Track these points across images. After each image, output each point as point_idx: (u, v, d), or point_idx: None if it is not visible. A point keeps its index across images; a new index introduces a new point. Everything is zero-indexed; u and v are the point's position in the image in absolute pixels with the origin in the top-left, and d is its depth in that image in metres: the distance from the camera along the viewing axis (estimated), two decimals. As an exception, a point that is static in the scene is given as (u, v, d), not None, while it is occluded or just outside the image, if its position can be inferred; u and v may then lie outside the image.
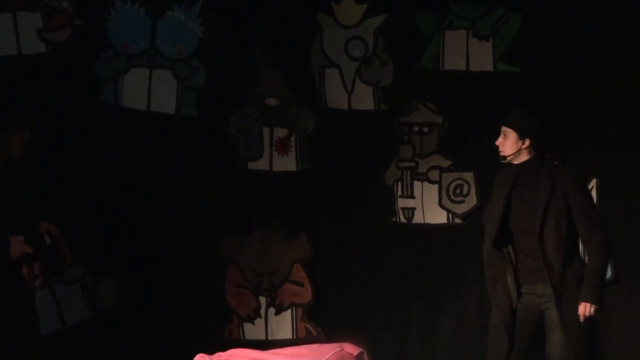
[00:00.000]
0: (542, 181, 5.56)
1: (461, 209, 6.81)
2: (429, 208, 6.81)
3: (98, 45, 6.62)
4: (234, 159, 6.75)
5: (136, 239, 6.52)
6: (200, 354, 4.92)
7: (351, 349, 4.92)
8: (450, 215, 6.82)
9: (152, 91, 6.69)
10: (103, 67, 6.63)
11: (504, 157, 5.62)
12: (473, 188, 6.81)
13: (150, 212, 6.58)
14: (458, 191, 6.84)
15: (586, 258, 5.60)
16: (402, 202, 6.80)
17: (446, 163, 6.83)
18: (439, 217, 6.80)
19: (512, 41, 6.77)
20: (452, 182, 6.82)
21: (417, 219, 6.80)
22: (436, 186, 6.82)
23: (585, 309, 5.40)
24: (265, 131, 6.81)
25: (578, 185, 5.57)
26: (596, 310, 5.39)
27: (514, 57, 6.76)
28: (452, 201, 6.82)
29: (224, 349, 4.95)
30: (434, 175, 6.83)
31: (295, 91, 6.82)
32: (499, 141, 5.62)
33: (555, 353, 5.43)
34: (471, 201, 6.81)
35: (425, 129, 6.88)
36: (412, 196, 6.81)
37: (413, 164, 6.83)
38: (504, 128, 5.61)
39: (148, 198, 6.58)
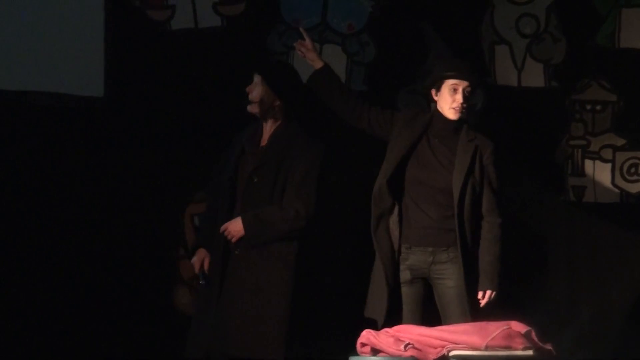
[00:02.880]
0: (462, 141, 5.19)
1: (636, 188, 6.60)
2: (600, 187, 6.62)
3: (270, 20, 6.59)
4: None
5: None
6: (367, 329, 4.88)
7: (519, 327, 4.79)
8: (623, 194, 6.62)
9: (322, 66, 6.68)
10: (274, 41, 6.63)
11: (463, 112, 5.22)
12: (649, 167, 6.66)
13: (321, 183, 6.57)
14: (633, 170, 6.62)
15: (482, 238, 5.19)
16: (572, 181, 6.63)
17: (620, 142, 6.62)
18: (611, 196, 6.62)
19: (692, 19, 6.58)
20: (626, 160, 6.61)
21: (588, 197, 6.62)
22: (609, 165, 6.62)
23: (488, 295, 5.11)
24: (433, 106, 6.71)
25: (494, 159, 5.22)
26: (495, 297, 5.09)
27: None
28: (626, 180, 6.61)
29: (390, 325, 4.90)
30: (607, 154, 6.63)
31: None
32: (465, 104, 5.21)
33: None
34: (646, 180, 6.66)
35: (598, 107, 6.71)
36: (582, 174, 6.64)
37: (584, 142, 6.65)
38: (468, 85, 5.22)
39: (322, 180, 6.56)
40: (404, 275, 5.23)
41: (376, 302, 5.21)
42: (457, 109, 5.25)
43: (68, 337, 6.14)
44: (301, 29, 5.60)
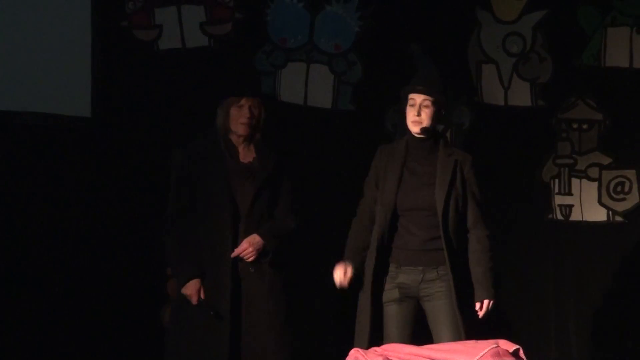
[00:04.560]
0: (441, 157, 5.15)
1: (622, 206, 6.60)
2: (587, 205, 6.62)
3: (257, 39, 6.59)
4: (389, 154, 6.70)
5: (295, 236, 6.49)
6: (356, 349, 4.87)
7: (507, 345, 4.79)
8: (610, 212, 6.62)
9: (309, 85, 6.68)
10: (261, 60, 6.62)
11: (425, 131, 5.14)
12: (635, 186, 6.57)
13: (303, 205, 6.57)
14: (619, 189, 6.62)
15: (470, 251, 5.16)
16: (559, 199, 6.63)
17: (607, 160, 6.62)
18: (598, 214, 6.61)
19: (678, 38, 6.60)
20: (612, 179, 6.61)
21: (575, 216, 6.61)
22: (595, 183, 6.62)
23: (487, 305, 5.08)
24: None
25: (475, 171, 5.18)
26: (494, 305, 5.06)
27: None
28: (612, 199, 6.61)
29: (378, 344, 4.90)
30: (594, 172, 6.63)
31: (451, 87, 6.75)
32: (421, 116, 5.14)
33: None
34: (633, 199, 6.59)
35: (585, 126, 6.72)
36: (569, 193, 6.63)
37: (571, 161, 6.66)
38: (425, 98, 5.15)
39: (302, 192, 6.57)
40: (392, 294, 5.20)
41: (362, 324, 5.20)
42: (415, 122, 5.19)
43: (55, 356, 6.11)
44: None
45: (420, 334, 5.19)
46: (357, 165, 6.56)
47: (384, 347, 4.87)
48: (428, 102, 5.21)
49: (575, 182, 6.67)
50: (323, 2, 6.63)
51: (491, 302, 5.14)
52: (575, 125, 6.72)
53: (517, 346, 4.77)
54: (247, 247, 5.26)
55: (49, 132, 6.19)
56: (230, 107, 5.37)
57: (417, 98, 5.23)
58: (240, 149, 5.39)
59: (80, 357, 6.13)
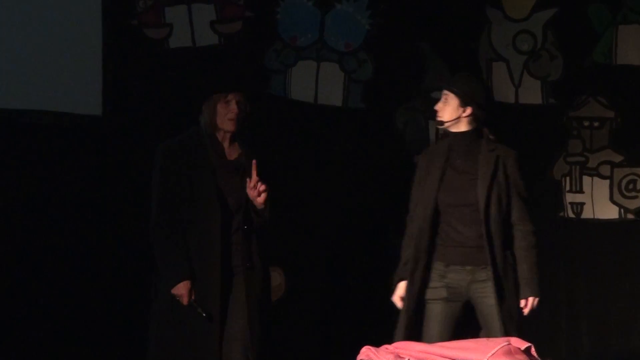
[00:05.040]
0: (483, 153, 5.10)
1: (634, 204, 6.60)
2: (599, 203, 6.61)
3: (267, 38, 6.58)
4: (399, 151, 6.69)
5: (305, 232, 6.49)
6: (367, 346, 4.87)
7: (519, 343, 4.77)
8: (622, 210, 6.61)
9: (319, 84, 6.67)
10: (272, 59, 6.63)
11: (441, 123, 5.13)
12: (647, 183, 6.65)
13: (313, 204, 6.58)
14: (631, 186, 6.61)
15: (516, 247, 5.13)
16: (570, 197, 6.62)
17: (618, 158, 6.61)
18: (609, 212, 6.60)
19: (689, 35, 6.59)
20: (624, 177, 6.60)
21: (587, 214, 6.60)
22: (607, 181, 6.62)
23: (531, 302, 5.04)
24: (431, 124, 6.69)
25: (519, 167, 5.14)
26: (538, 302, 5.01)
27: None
28: (624, 196, 6.60)
29: (389, 342, 4.89)
30: (605, 170, 6.62)
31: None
32: (439, 106, 5.13)
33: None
34: (645, 196, 6.60)
35: (596, 124, 6.71)
36: (581, 191, 6.62)
37: (582, 159, 6.65)
38: (446, 92, 5.12)
39: (312, 190, 6.59)
40: (439, 292, 5.13)
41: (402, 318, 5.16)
42: (438, 117, 5.19)
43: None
44: None
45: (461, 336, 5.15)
46: (367, 163, 6.60)
47: (395, 344, 4.85)
48: (446, 97, 5.17)
49: (586, 179, 6.66)
50: (333, 1, 6.62)
51: (536, 299, 5.11)
52: (586, 123, 6.70)
53: (529, 344, 4.76)
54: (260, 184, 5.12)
55: (60, 130, 6.20)
56: (217, 103, 5.19)
57: (442, 93, 5.22)
58: (226, 145, 5.24)
59: (81, 354, 6.12)
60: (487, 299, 5.08)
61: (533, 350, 4.76)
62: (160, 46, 6.45)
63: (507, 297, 5.06)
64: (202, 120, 5.26)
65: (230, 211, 5.18)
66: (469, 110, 5.14)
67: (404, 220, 6.51)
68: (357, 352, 4.83)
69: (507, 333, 5.02)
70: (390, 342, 4.87)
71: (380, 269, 6.56)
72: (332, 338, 6.37)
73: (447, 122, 5.15)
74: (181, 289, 5.08)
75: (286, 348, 6.27)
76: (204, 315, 5.06)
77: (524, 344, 4.76)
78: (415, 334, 5.10)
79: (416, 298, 5.13)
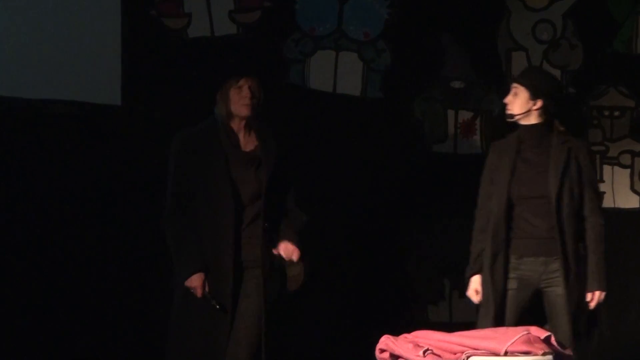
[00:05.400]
0: (554, 146, 5.08)
1: (655, 193, 6.58)
2: (619, 192, 6.58)
3: (286, 27, 6.56)
4: (418, 141, 6.67)
5: (323, 221, 6.48)
6: (386, 335, 4.87)
7: (539, 332, 4.77)
8: (642, 199, 6.59)
9: (338, 73, 6.66)
10: (290, 48, 6.60)
11: (511, 116, 5.11)
12: (668, 172, 6.61)
13: (332, 194, 6.57)
14: (652, 175, 6.66)
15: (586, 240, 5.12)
16: (591, 187, 6.67)
17: (639, 147, 6.60)
18: (630, 201, 6.59)
19: None
20: (645, 166, 6.59)
21: (607, 203, 6.50)
22: (628, 170, 6.60)
23: (597, 296, 5.03)
24: (450, 114, 6.68)
25: (591, 159, 5.15)
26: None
27: None
28: (645, 186, 6.62)
29: (408, 331, 4.89)
30: (626, 159, 6.60)
31: (480, 74, 6.71)
32: (508, 98, 5.12)
33: (565, 336, 4.98)
34: (666, 186, 6.56)
35: (616, 113, 6.68)
36: (601, 180, 6.57)
37: (603, 148, 6.61)
38: (515, 85, 5.11)
39: (330, 180, 6.58)
40: (510, 284, 5.16)
41: (486, 308, 5.18)
42: (507, 110, 5.21)
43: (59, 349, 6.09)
44: None
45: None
46: (385, 153, 6.58)
47: (414, 333, 4.85)
48: (516, 90, 5.17)
49: (607, 169, 6.63)
50: (351, -11, 6.62)
51: (603, 293, 5.11)
52: (606, 113, 6.68)
53: (549, 333, 4.76)
54: (293, 249, 5.14)
55: (79, 120, 6.21)
56: (230, 90, 5.12)
57: (511, 86, 5.22)
58: (241, 136, 5.15)
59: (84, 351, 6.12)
60: (556, 288, 5.09)
61: (553, 339, 4.75)
62: (179, 36, 6.44)
63: (576, 289, 5.07)
64: (216, 110, 5.21)
65: (243, 203, 5.11)
66: (539, 103, 5.13)
67: (421, 210, 6.54)
68: (377, 341, 4.84)
69: (573, 324, 5.03)
70: (409, 331, 4.87)
71: (397, 259, 6.58)
72: (352, 328, 6.37)
73: (517, 115, 5.15)
74: (195, 281, 5.02)
75: (307, 338, 6.29)
76: (218, 307, 5.03)
77: (543, 333, 4.75)
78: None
79: (501, 290, 5.14)
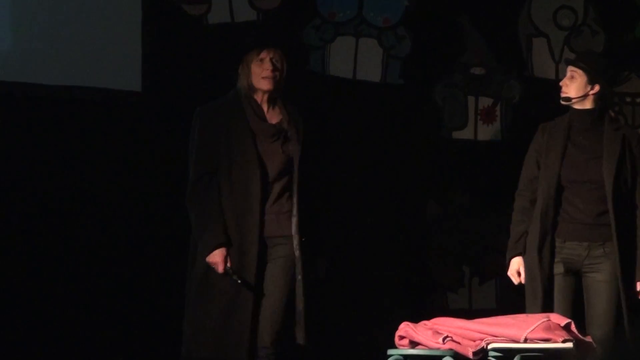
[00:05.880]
0: (607, 132, 5.02)
1: (677, 180, 6.58)
2: (640, 179, 6.60)
3: (306, 14, 6.56)
4: (439, 127, 6.66)
5: (344, 207, 6.46)
6: (405, 322, 4.86)
7: (558, 319, 4.75)
8: (664, 187, 6.59)
9: (358, 59, 6.65)
10: (310, 35, 6.60)
11: (568, 99, 5.03)
12: (690, 159, 6.57)
13: (351, 181, 6.56)
14: (674, 162, 6.61)
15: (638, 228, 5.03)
16: (611, 173, 6.63)
17: (659, 134, 6.62)
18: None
19: None
20: (666, 152, 6.61)
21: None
22: (649, 157, 6.62)
23: None
24: (470, 100, 6.67)
25: None
26: None
27: None
28: (666, 172, 6.59)
29: (428, 318, 4.89)
30: (647, 145, 6.63)
31: (501, 60, 6.68)
32: (564, 82, 5.06)
33: (602, 322, 4.98)
34: (688, 172, 6.56)
35: (638, 100, 6.67)
36: (622, 167, 6.62)
37: (624, 135, 6.65)
38: (573, 68, 5.04)
39: (350, 166, 6.57)
40: (557, 267, 5.11)
41: (534, 292, 5.13)
42: (563, 93, 5.17)
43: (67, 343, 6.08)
44: None
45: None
46: (406, 139, 6.57)
47: (433, 320, 4.85)
48: (574, 73, 5.11)
49: (628, 155, 6.61)
50: (371, -24, 6.60)
51: None
52: (628, 99, 6.64)
53: (569, 320, 4.74)
54: None
55: (99, 106, 6.21)
56: (251, 63, 5.03)
57: (567, 69, 5.17)
58: (265, 109, 5.04)
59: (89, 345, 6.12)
60: (598, 274, 5.05)
61: (573, 326, 4.74)
62: (199, 22, 6.43)
63: (621, 277, 5.01)
64: (238, 85, 5.11)
65: (269, 178, 5.01)
66: (597, 88, 5.08)
67: (441, 197, 6.52)
68: (396, 328, 4.83)
69: (611, 315, 5.00)
70: (428, 318, 4.87)
71: (417, 246, 6.57)
72: (372, 315, 6.36)
73: (573, 98, 5.08)
74: (216, 257, 4.91)
75: (328, 324, 6.28)
76: (239, 282, 4.90)
77: (563, 320, 4.74)
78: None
79: (548, 273, 5.09)
